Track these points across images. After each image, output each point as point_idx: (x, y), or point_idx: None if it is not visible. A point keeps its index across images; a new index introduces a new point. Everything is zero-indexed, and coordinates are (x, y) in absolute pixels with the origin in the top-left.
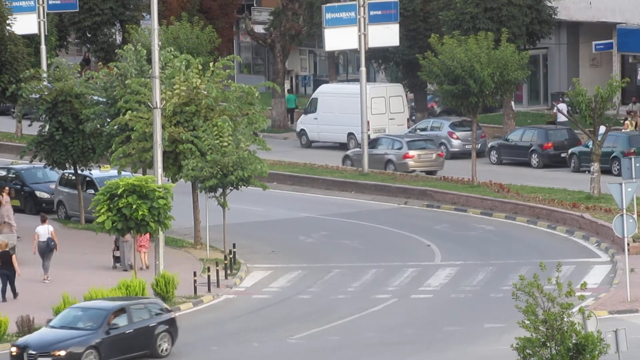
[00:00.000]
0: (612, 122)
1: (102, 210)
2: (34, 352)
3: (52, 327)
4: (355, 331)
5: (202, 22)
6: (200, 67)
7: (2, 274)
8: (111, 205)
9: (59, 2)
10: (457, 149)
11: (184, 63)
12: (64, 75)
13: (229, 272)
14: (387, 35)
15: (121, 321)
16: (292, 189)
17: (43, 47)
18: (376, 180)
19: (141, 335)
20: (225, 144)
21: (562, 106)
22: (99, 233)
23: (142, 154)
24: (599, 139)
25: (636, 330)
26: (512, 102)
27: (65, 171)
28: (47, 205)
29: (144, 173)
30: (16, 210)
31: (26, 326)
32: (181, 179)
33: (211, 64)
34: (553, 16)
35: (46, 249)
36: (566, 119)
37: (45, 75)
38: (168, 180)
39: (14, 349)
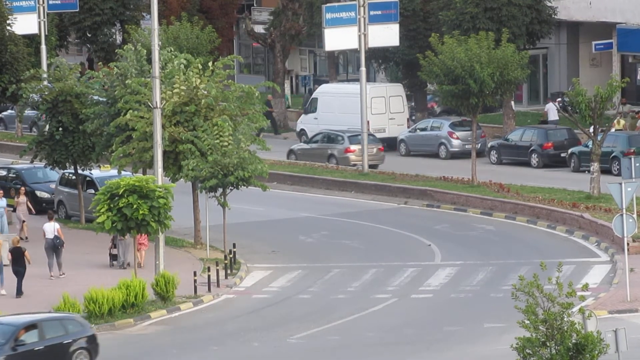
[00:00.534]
0: (611, 123)
1: (102, 210)
2: None
3: None
4: (355, 331)
5: (202, 22)
6: (200, 67)
7: (14, 271)
8: (111, 205)
9: (59, 2)
10: (457, 149)
11: (183, 63)
12: (64, 75)
13: (229, 272)
14: (387, 35)
15: (31, 337)
16: (292, 189)
17: (43, 47)
18: (376, 180)
19: (53, 353)
20: (226, 143)
21: (550, 105)
22: (99, 233)
23: (142, 154)
24: (599, 138)
25: (636, 330)
26: (512, 102)
27: (65, 171)
28: (47, 205)
29: (144, 173)
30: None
31: None
32: (181, 179)
33: (210, 64)
34: (553, 16)
35: (53, 247)
36: (557, 118)
37: (45, 75)
38: (168, 180)
39: None
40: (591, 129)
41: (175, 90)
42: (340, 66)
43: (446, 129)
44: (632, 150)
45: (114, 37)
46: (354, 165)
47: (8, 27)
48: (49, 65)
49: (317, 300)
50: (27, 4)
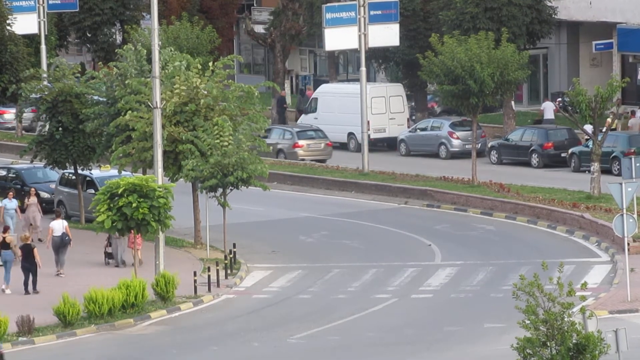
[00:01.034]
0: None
1: (102, 210)
2: None
3: None
4: (356, 331)
5: (202, 22)
6: (200, 66)
7: (23, 267)
8: (111, 205)
9: (59, 2)
10: (457, 149)
11: (183, 63)
12: (64, 75)
13: (229, 272)
14: (387, 35)
15: None
16: (292, 189)
17: (43, 47)
18: (376, 180)
19: None
20: (226, 143)
21: (547, 104)
22: (99, 233)
23: (142, 154)
24: (599, 138)
25: (636, 330)
26: (512, 102)
27: (65, 171)
28: (47, 205)
29: (144, 173)
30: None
31: (26, 326)
32: (181, 179)
33: (210, 64)
34: (553, 16)
35: (60, 244)
36: (553, 117)
37: (45, 75)
38: (168, 180)
39: None
40: (586, 127)
41: (175, 91)
42: (340, 66)
43: (446, 129)
44: (632, 150)
45: (114, 37)
46: (303, 160)
47: (8, 27)
48: (48, 65)
49: (317, 301)
50: (27, 4)
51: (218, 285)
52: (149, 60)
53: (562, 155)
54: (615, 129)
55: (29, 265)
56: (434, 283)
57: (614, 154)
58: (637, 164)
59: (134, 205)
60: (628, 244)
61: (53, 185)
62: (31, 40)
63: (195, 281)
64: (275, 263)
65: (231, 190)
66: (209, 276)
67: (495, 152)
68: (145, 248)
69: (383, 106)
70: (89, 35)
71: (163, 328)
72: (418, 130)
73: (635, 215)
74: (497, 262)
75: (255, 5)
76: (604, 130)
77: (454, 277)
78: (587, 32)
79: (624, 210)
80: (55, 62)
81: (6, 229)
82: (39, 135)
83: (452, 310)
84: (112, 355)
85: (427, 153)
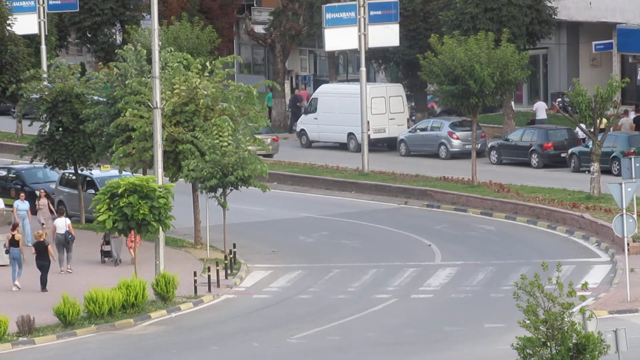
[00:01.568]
0: (610, 123)
1: (102, 210)
2: None
3: None
4: (356, 331)
5: (202, 22)
6: (200, 67)
7: (39, 265)
8: (112, 205)
9: (59, 2)
10: (457, 149)
11: (182, 62)
12: (64, 75)
13: (229, 272)
14: (387, 35)
15: None
16: (292, 189)
17: (43, 47)
18: (376, 180)
19: None
20: (225, 143)
21: (539, 104)
22: (99, 233)
23: (142, 154)
24: (599, 138)
25: (636, 330)
26: (512, 102)
27: (65, 171)
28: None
29: (144, 173)
30: None
31: (26, 326)
32: (181, 179)
33: (208, 63)
34: (553, 16)
35: (64, 241)
36: (545, 117)
37: (45, 75)
38: (168, 180)
39: None
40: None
41: (175, 91)
42: (340, 66)
43: (446, 129)
44: (632, 151)
45: (114, 37)
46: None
47: (8, 27)
48: (49, 66)
49: (317, 301)
50: (27, 4)
51: (218, 286)
52: (149, 61)
53: (562, 155)
54: (604, 129)
55: (44, 262)
56: (434, 283)
57: (613, 154)
58: (637, 164)
59: (135, 206)
60: (628, 244)
61: (53, 186)
62: (31, 40)
63: (195, 281)
64: (275, 263)
65: (231, 190)
66: (209, 276)
67: (495, 152)
68: (145, 248)
69: (383, 106)
70: (89, 35)
71: (163, 328)
72: (418, 131)
73: (635, 216)
74: (497, 262)
75: (255, 5)
76: (593, 129)
77: (454, 277)
78: (587, 32)
79: (624, 211)
80: (55, 62)
81: (15, 226)
82: (39, 136)
83: (452, 311)
84: (112, 355)
85: (427, 153)
